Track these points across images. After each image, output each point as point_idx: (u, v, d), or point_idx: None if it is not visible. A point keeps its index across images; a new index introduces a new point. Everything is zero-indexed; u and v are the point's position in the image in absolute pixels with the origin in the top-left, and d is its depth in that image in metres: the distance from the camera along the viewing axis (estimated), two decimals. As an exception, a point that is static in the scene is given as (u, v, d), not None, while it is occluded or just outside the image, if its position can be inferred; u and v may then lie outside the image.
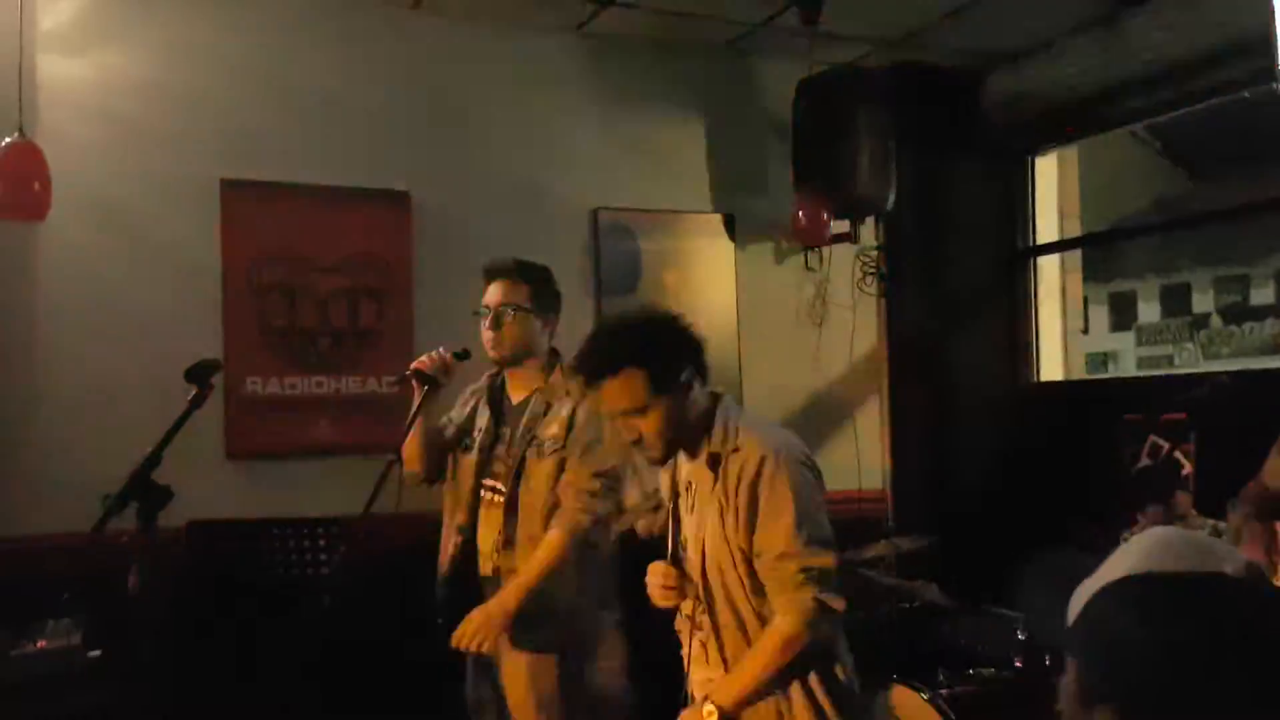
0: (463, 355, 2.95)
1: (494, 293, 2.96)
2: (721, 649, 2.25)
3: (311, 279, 4.01)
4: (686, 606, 2.30)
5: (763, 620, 2.19)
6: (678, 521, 2.35)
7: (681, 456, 2.34)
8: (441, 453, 3.06)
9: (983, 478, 4.73)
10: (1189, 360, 18.70)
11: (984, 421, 4.86)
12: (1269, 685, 0.96)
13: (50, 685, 2.94)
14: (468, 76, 4.30)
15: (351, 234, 4.07)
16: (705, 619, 2.25)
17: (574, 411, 2.89)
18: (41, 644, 3.01)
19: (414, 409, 2.90)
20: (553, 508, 2.86)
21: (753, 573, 2.19)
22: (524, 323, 2.94)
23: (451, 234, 4.17)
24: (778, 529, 2.14)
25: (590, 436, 2.87)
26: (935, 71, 4.83)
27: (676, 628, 2.38)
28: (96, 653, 2.98)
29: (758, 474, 2.17)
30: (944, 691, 3.30)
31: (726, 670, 2.23)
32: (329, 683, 3.31)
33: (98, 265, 3.71)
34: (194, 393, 2.26)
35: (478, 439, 3.01)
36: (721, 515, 2.21)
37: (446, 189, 4.21)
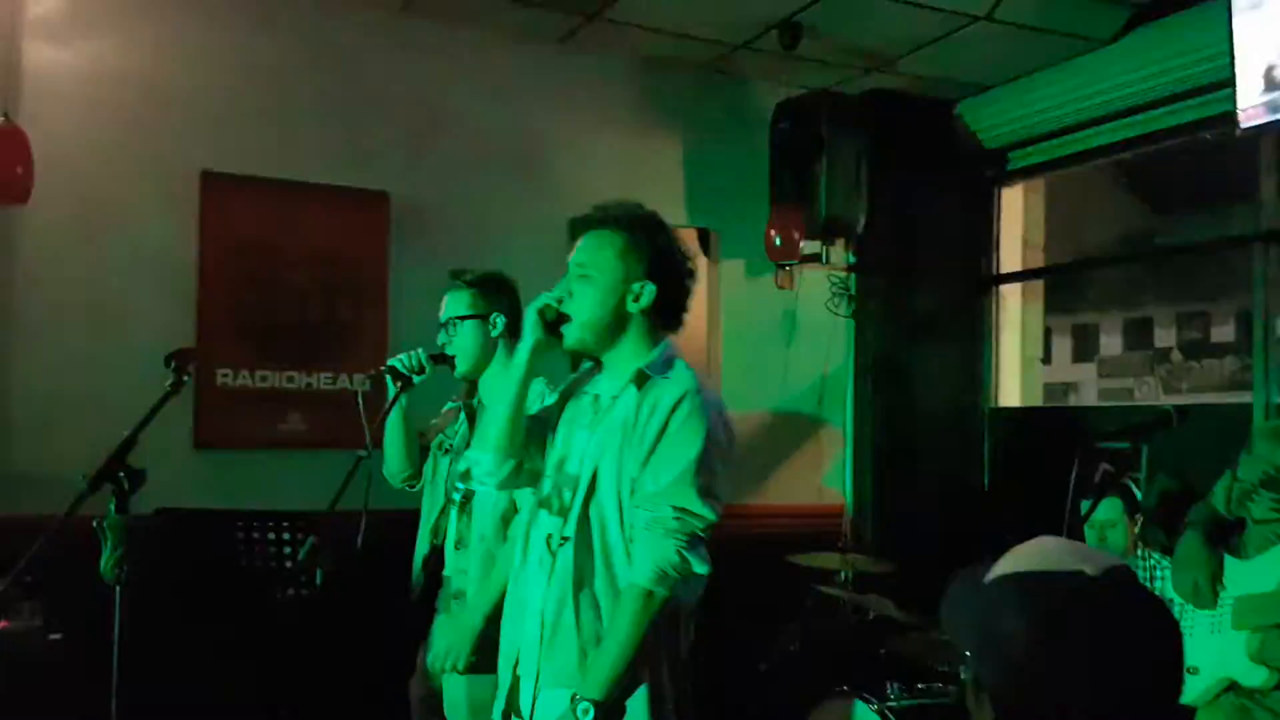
0: (440, 359, 2.97)
1: (444, 306, 2.98)
2: (576, 589, 2.04)
3: (288, 273, 4.05)
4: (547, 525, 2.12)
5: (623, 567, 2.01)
6: (562, 432, 2.21)
7: (593, 378, 2.22)
8: (423, 455, 3.10)
9: (940, 496, 4.83)
10: (1149, 393, 18.95)
11: (943, 443, 4.96)
12: (1111, 674, 1.05)
13: (8, 666, 2.94)
14: (452, 81, 4.36)
15: (330, 231, 4.11)
16: (567, 549, 2.06)
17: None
18: (2, 624, 3.02)
19: (386, 407, 2.94)
20: (509, 507, 2.82)
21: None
22: (469, 331, 2.94)
23: (429, 235, 4.22)
24: (671, 465, 1.99)
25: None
26: (910, 99, 4.94)
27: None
28: (57, 635, 2.99)
29: (675, 406, 2.02)
30: (893, 704, 3.38)
31: (576, 615, 2.03)
32: (289, 675, 3.34)
33: (76, 251, 3.73)
34: (171, 379, 2.29)
35: (454, 443, 3.04)
36: (625, 437, 2.05)
37: (425, 191, 4.26)
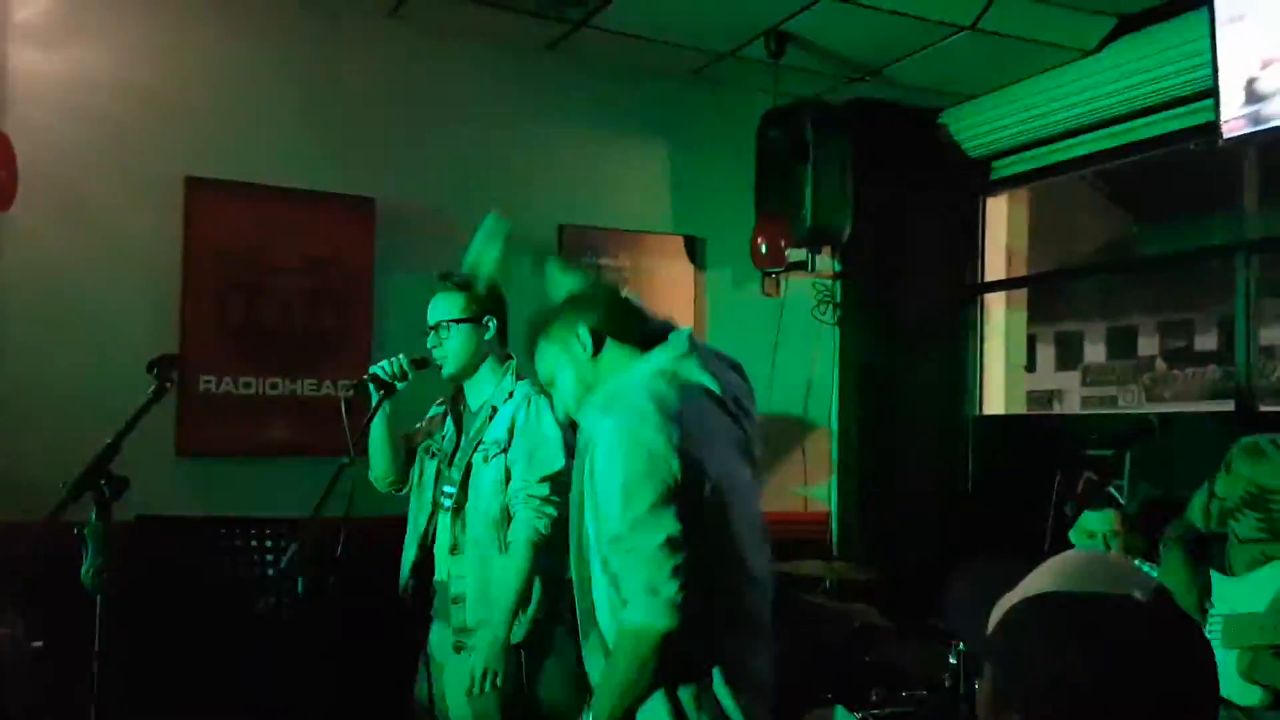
0: (422, 363, 2.98)
1: (433, 308, 2.97)
2: (590, 622, 2.09)
3: (272, 280, 4.03)
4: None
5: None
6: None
7: None
8: (409, 459, 3.09)
9: (924, 505, 4.84)
10: (1133, 401, 19.08)
11: (927, 450, 4.98)
12: (1165, 705, 1.03)
13: (-13, 674, 2.92)
14: (440, 87, 4.36)
15: (315, 237, 4.09)
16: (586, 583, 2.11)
17: (514, 414, 2.89)
18: (-19, 632, 2.99)
19: (370, 413, 2.93)
20: (501, 512, 2.85)
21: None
22: (463, 333, 2.94)
23: (415, 242, 4.21)
24: (608, 504, 1.96)
25: (534, 440, 2.85)
26: (895, 108, 4.97)
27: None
28: (38, 643, 2.96)
29: (596, 440, 2.02)
30: (877, 712, 3.38)
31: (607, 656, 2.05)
32: (272, 683, 3.32)
33: (60, 258, 3.70)
34: (154, 386, 2.28)
35: (441, 447, 3.04)
36: (582, 485, 2.09)
37: (412, 197, 4.25)
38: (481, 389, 2.99)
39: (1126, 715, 1.02)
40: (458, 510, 2.90)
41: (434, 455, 3.04)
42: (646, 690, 1.97)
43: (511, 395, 2.94)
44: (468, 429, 2.99)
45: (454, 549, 2.90)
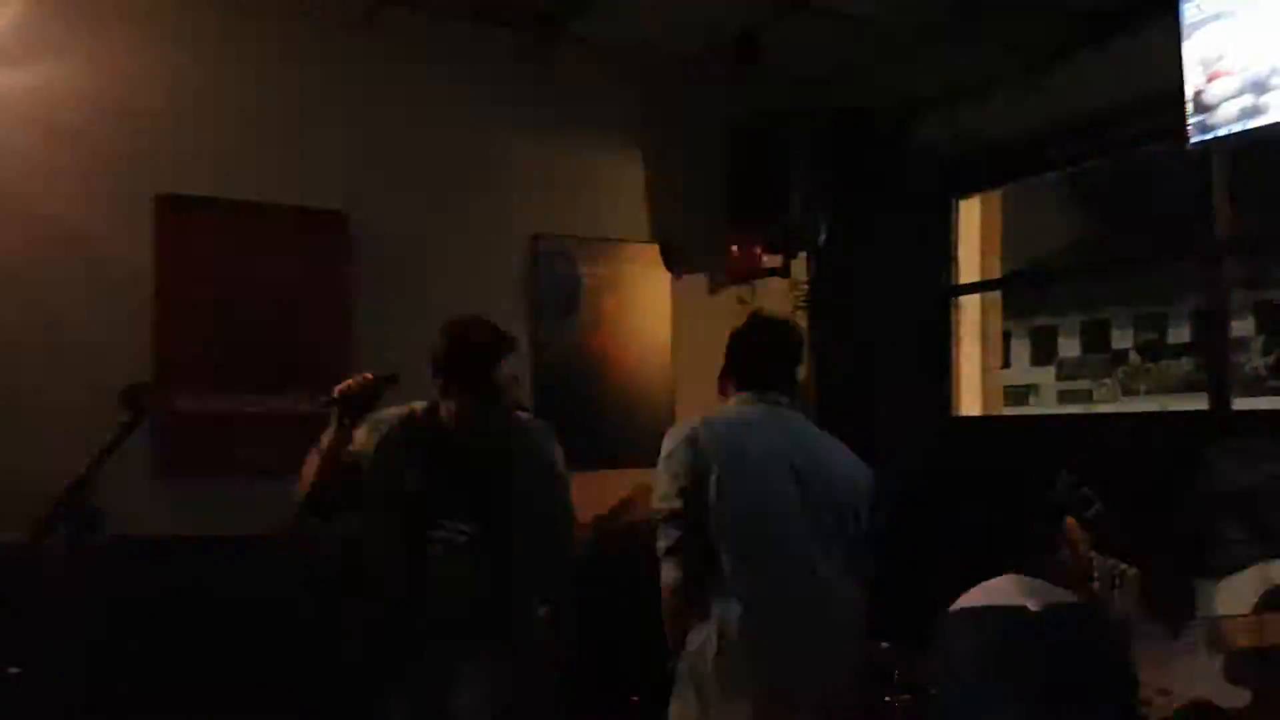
0: (391, 379, 2.93)
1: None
2: None
3: (246, 296, 3.99)
4: None
5: None
6: None
7: None
8: (349, 484, 2.94)
9: (899, 507, 4.85)
10: (1107, 395, 19.27)
11: (903, 453, 4.99)
12: (1049, 701, 1.11)
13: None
14: (411, 100, 4.34)
15: (288, 253, 4.06)
16: None
17: (533, 444, 3.02)
18: (-44, 661, 2.95)
19: (330, 433, 2.84)
20: (541, 528, 2.99)
21: None
22: None
23: (389, 256, 4.19)
24: None
25: (551, 461, 3.05)
26: (867, 113, 4.99)
27: None
28: (14, 670, 2.93)
29: None
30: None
31: None
32: (251, 702, 3.31)
33: (30, 277, 3.65)
34: (128, 417, 2.26)
35: (416, 481, 2.93)
36: None
37: (385, 210, 4.23)
38: (461, 422, 2.99)
39: (1006, 703, 1.11)
40: (496, 539, 2.91)
41: (404, 490, 2.94)
42: None
43: (521, 430, 3.04)
44: (468, 462, 2.96)
45: (497, 567, 2.92)
